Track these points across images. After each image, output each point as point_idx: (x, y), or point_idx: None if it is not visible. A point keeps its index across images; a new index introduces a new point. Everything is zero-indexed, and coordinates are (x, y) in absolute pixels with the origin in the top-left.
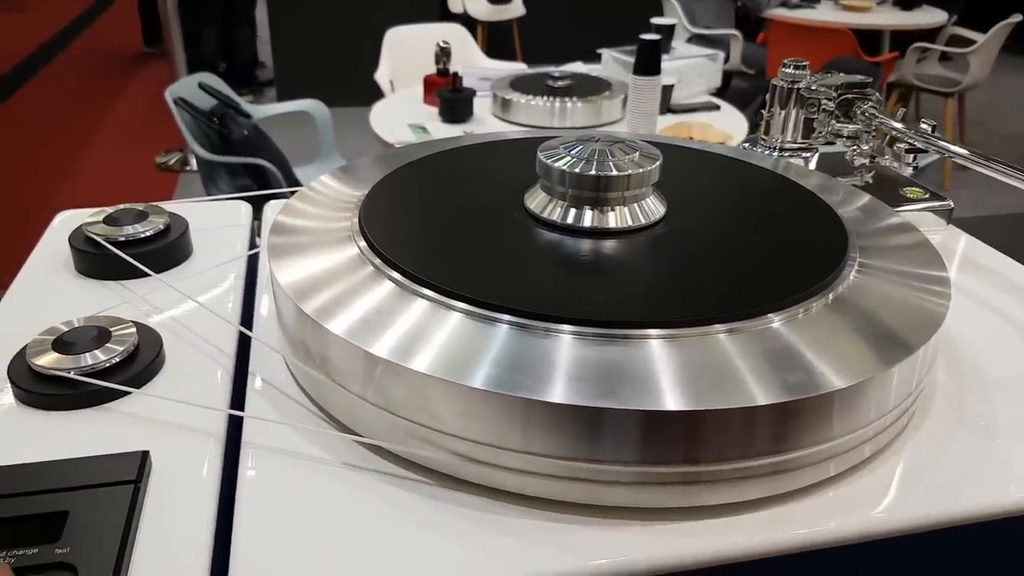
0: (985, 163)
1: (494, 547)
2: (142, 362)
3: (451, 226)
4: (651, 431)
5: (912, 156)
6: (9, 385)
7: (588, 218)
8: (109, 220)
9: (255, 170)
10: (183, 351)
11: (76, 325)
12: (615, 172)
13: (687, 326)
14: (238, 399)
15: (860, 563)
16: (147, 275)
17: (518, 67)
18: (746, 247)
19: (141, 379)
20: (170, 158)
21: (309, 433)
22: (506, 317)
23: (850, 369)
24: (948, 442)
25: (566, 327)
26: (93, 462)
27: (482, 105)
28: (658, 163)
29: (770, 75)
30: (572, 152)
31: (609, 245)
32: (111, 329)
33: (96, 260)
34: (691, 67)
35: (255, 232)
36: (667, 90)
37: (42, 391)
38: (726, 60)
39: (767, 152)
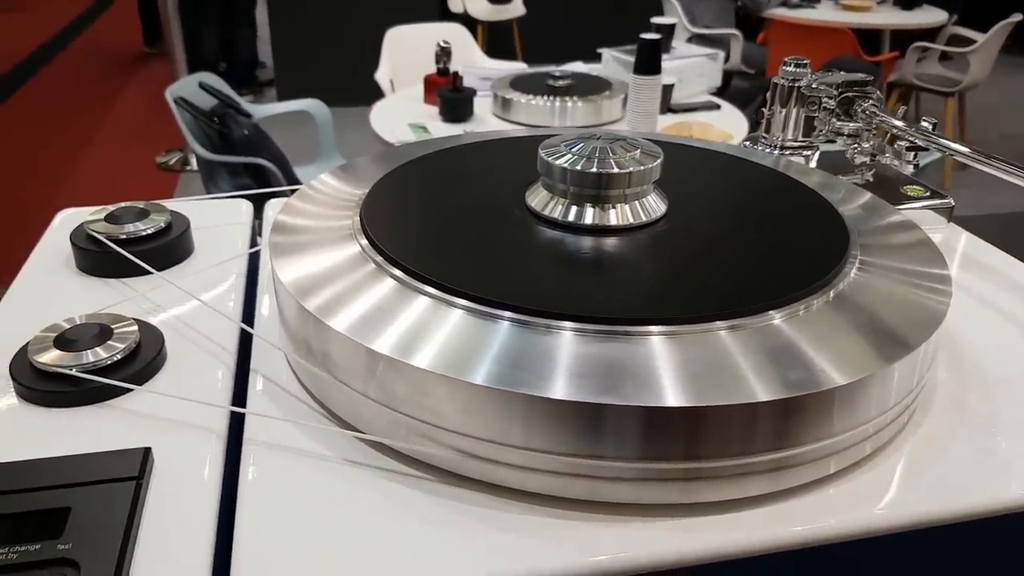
0: (986, 161)
1: (495, 543)
2: (144, 359)
3: (452, 224)
4: (652, 427)
5: (913, 154)
6: (11, 382)
7: (589, 215)
8: (110, 218)
9: (255, 170)
10: (185, 348)
11: (78, 322)
12: (616, 170)
13: (688, 323)
14: (240, 396)
15: (861, 560)
16: (148, 273)
17: (518, 67)
18: (747, 245)
19: (143, 376)
20: (170, 158)
21: (311, 430)
22: (507, 314)
23: (851, 366)
24: (949, 439)
25: (567, 324)
26: (95, 459)
27: (482, 105)
28: (659, 161)
29: (770, 75)
30: (573, 150)
31: (610, 242)
32: (113, 326)
33: (98, 258)
34: (691, 66)
35: (256, 230)
36: (667, 89)
37: (44, 388)
38: (726, 60)
39: (768, 150)
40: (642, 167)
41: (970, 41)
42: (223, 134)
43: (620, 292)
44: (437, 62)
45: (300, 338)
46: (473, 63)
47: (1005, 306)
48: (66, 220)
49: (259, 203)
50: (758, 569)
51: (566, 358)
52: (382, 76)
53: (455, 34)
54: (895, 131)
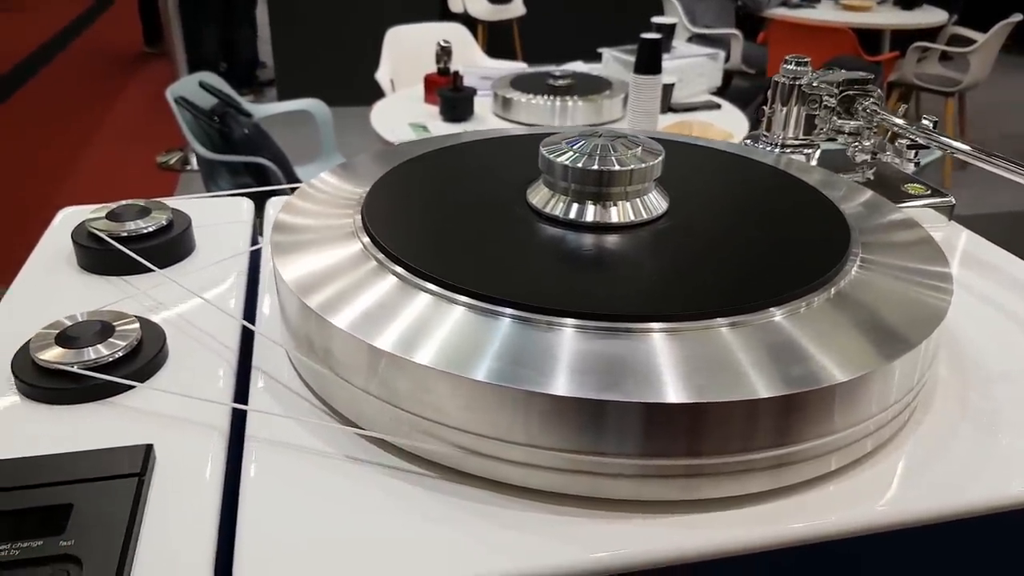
0: (987, 159)
1: (497, 539)
2: (145, 356)
3: (454, 221)
4: (653, 424)
5: (914, 152)
6: (13, 379)
7: (591, 213)
8: (112, 216)
9: (256, 169)
10: (186, 346)
11: (80, 320)
12: (618, 167)
13: (690, 320)
14: (241, 393)
15: (862, 557)
16: (150, 271)
17: (519, 66)
18: (748, 242)
19: (145, 373)
20: (171, 157)
21: (312, 427)
22: (509, 311)
23: (852, 363)
24: (950, 437)
25: (569, 321)
26: (97, 455)
27: (483, 104)
28: (660, 158)
29: (770, 74)
30: (575, 147)
31: (612, 240)
32: (114, 324)
33: (99, 256)
34: (692, 66)
35: (257, 228)
36: (668, 89)
37: (46, 385)
38: (726, 59)
39: (769, 148)
40: (643, 164)
41: (970, 41)
42: (224, 133)
43: (621, 289)
44: (437, 62)
45: (302, 335)
46: (473, 63)
47: (1006, 304)
48: (67, 218)
49: (260, 202)
50: (759, 566)
51: (567, 355)
52: (382, 76)
53: (455, 34)
54: (896, 129)
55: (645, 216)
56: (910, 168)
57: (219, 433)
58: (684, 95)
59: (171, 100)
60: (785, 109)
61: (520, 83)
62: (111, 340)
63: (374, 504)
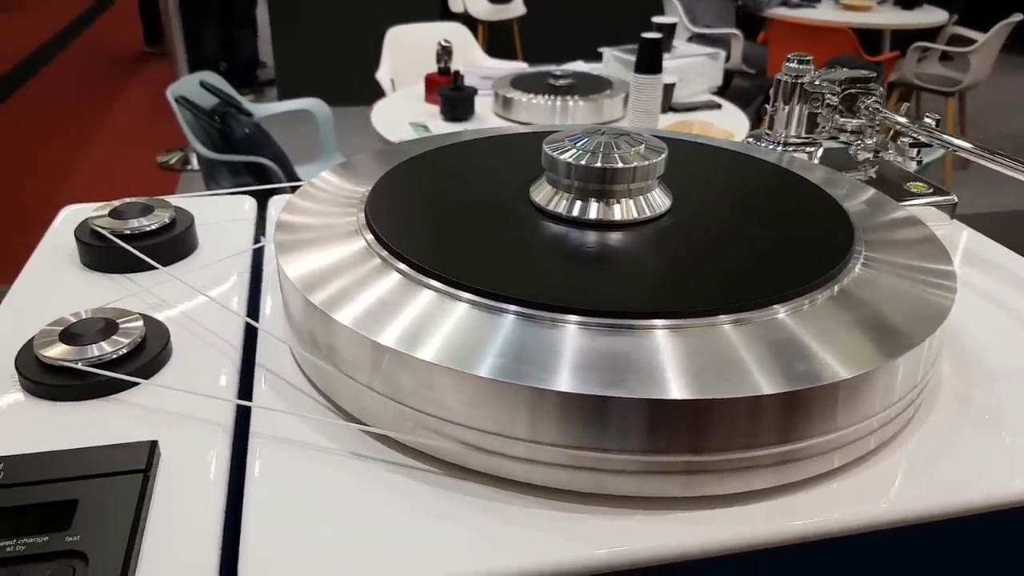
0: (989, 156)
1: (501, 535)
2: (149, 353)
3: (457, 219)
4: (657, 420)
5: (916, 151)
6: (17, 376)
7: (594, 210)
8: (115, 214)
9: (256, 168)
10: (190, 343)
11: (83, 317)
12: (621, 164)
13: (693, 316)
14: (245, 390)
15: (865, 554)
16: (153, 268)
17: (519, 66)
18: (751, 240)
19: (149, 370)
20: (171, 157)
21: (316, 423)
22: (513, 307)
23: (855, 360)
24: (953, 434)
25: (572, 317)
26: (102, 451)
27: (483, 104)
28: (663, 156)
29: (771, 74)
30: (578, 144)
31: (615, 237)
32: (118, 321)
33: (102, 253)
34: (692, 66)
35: (259, 227)
36: (668, 88)
37: (50, 382)
38: (727, 59)
39: (771, 147)
40: (646, 162)
41: (970, 41)
42: (224, 133)
43: (625, 286)
44: (438, 61)
45: (306, 332)
46: (474, 62)
47: (1009, 302)
48: (69, 216)
49: (261, 200)
50: (762, 562)
51: (571, 351)
52: (383, 75)
53: (456, 33)
54: (898, 127)
55: (648, 214)
56: (912, 166)
57: (223, 429)
58: (685, 95)
59: (172, 100)
60: (787, 107)
61: (521, 83)
62: (115, 337)
63: (378, 500)
